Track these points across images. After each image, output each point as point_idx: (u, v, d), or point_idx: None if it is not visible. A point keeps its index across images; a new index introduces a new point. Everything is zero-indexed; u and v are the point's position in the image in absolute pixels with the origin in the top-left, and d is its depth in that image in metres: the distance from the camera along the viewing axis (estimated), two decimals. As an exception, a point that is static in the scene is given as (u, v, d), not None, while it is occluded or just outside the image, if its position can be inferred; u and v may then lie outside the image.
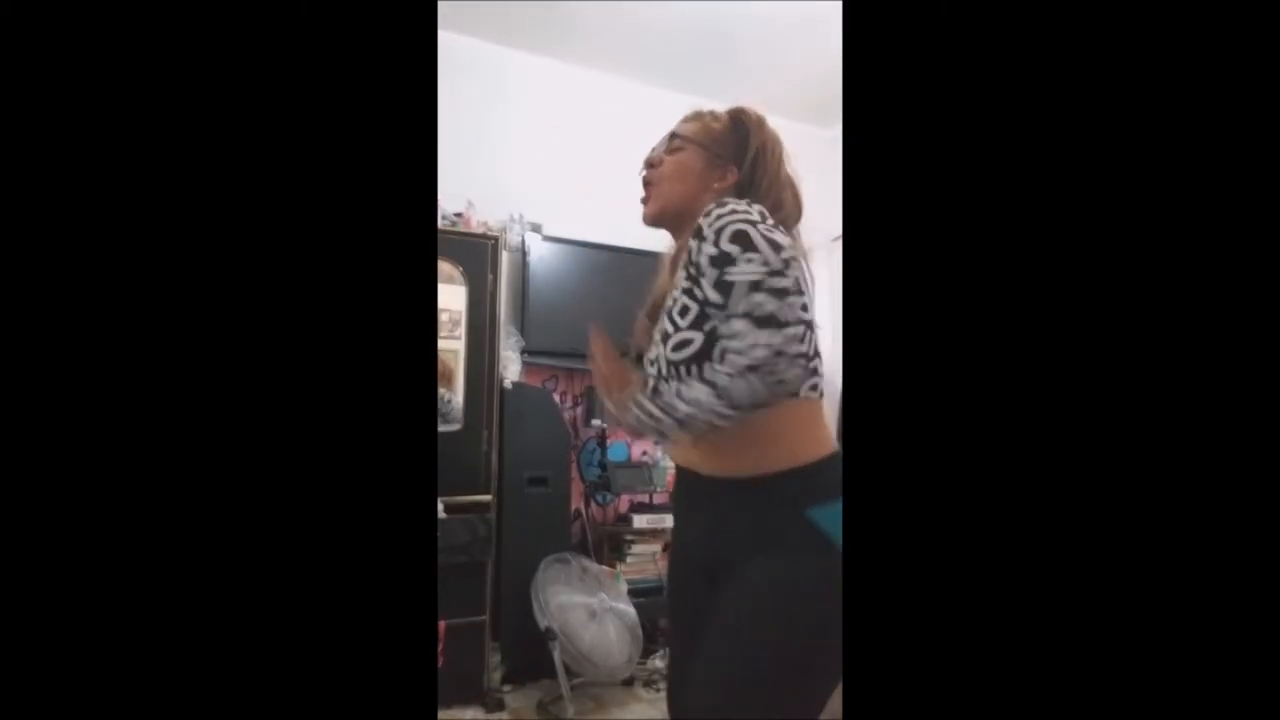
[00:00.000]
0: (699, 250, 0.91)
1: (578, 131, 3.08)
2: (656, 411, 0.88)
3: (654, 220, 1.08)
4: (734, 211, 0.90)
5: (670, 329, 0.95)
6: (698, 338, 0.92)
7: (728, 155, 1.06)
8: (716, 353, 0.89)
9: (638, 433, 0.93)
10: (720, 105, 1.11)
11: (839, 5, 0.69)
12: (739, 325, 0.85)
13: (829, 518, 0.90)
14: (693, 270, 0.92)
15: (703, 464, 0.99)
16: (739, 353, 0.84)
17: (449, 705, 2.36)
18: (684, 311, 0.94)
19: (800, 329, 0.87)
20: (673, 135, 1.08)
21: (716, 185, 1.05)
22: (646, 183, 1.09)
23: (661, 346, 0.97)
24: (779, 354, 0.83)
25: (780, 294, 0.85)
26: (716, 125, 1.07)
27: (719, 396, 0.85)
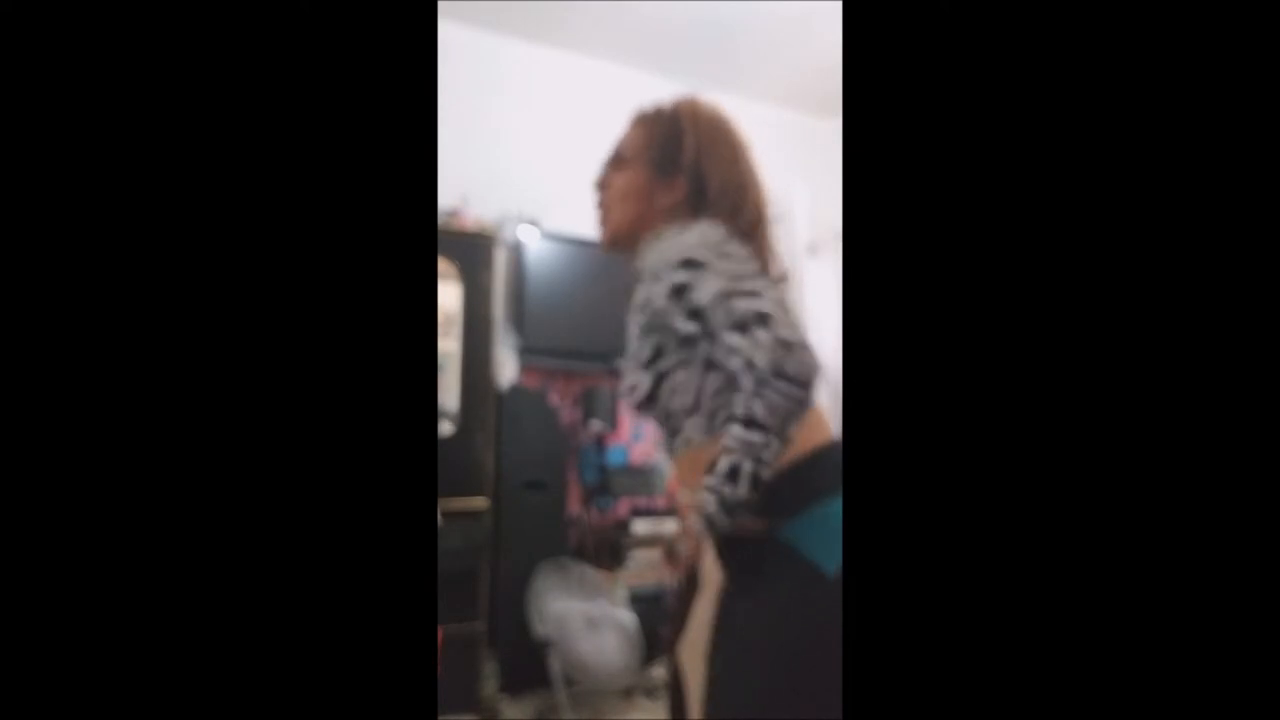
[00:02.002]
0: (646, 293, 0.90)
1: (576, 123, 3.01)
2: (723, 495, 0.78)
3: (611, 247, 1.04)
4: (669, 244, 0.89)
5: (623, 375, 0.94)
6: (644, 380, 0.91)
7: (671, 166, 1.00)
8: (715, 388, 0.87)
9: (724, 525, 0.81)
10: (723, 95, 1.04)
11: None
12: (731, 339, 0.80)
13: (804, 534, 0.83)
14: (646, 316, 0.90)
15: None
16: (749, 365, 0.78)
17: (444, 714, 2.31)
18: (636, 355, 0.93)
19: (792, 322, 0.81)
20: (615, 155, 1.04)
21: (664, 202, 1.00)
22: (598, 206, 1.05)
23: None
24: (786, 346, 0.77)
25: (754, 295, 0.81)
26: (658, 131, 1.02)
27: (750, 427, 0.77)
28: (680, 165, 0.99)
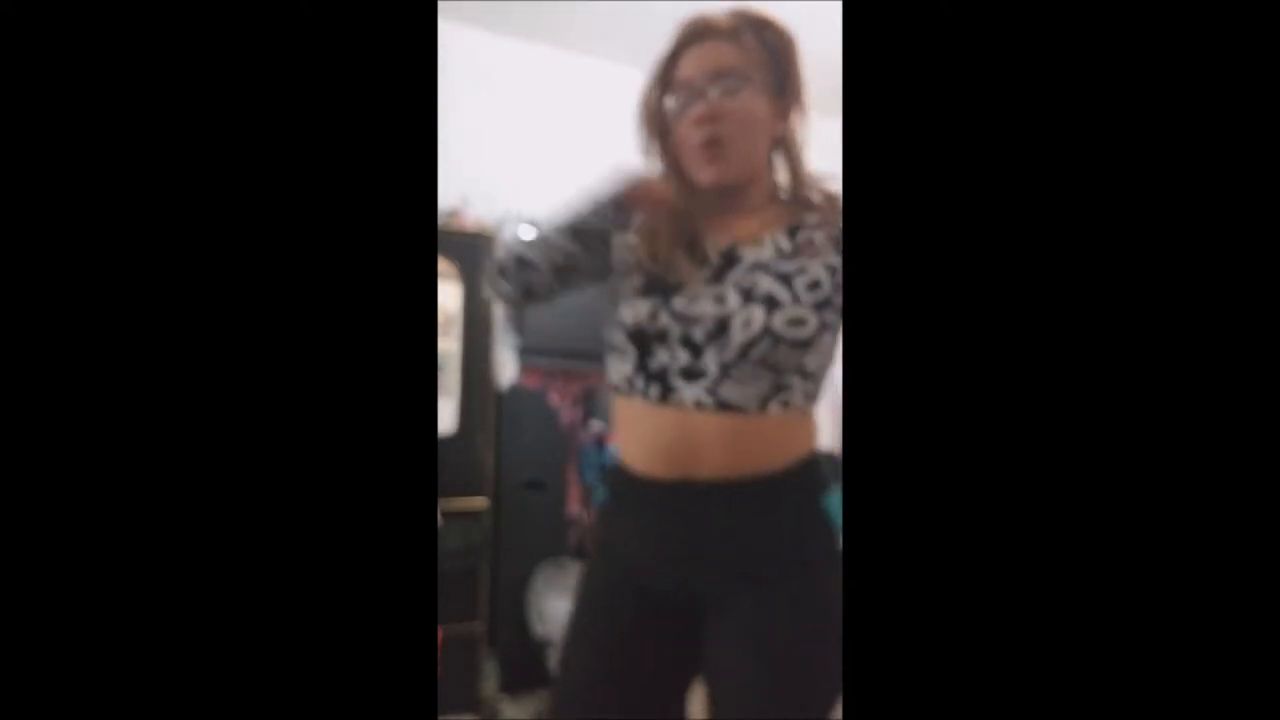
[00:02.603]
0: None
1: (576, 123, 3.01)
2: None
3: (720, 185, 0.88)
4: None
5: (784, 295, 0.84)
6: (813, 321, 0.83)
7: (781, 92, 0.88)
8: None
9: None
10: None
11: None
12: None
13: (837, 506, 0.86)
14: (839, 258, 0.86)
15: (715, 464, 0.85)
16: None
17: (445, 714, 2.31)
18: (814, 286, 0.85)
19: None
20: (727, 73, 0.86)
21: (775, 135, 0.90)
22: (714, 140, 0.86)
23: (755, 311, 0.83)
24: None
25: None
26: (769, 44, 0.88)
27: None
28: (789, 94, 0.89)
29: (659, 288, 0.88)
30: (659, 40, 0.95)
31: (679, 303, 0.86)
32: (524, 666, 2.39)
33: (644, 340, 0.87)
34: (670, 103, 0.90)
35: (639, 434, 0.90)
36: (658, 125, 0.92)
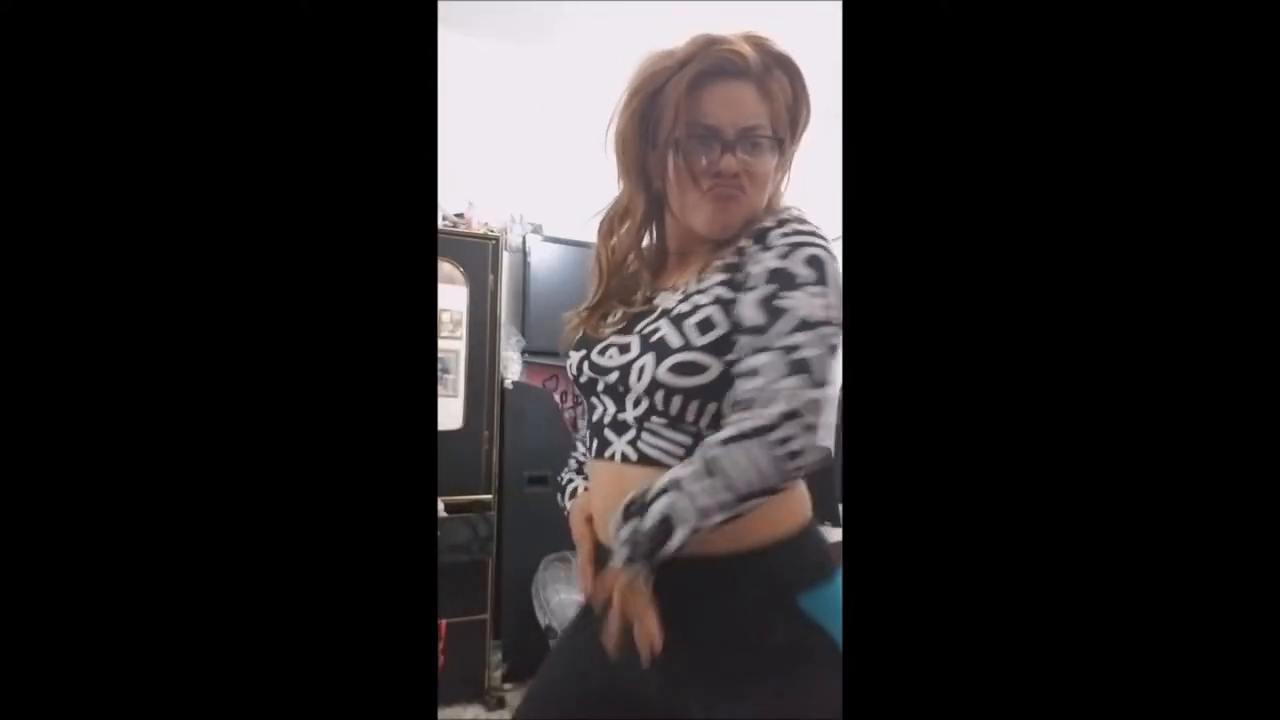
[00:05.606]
0: (756, 259, 0.75)
1: (579, 131, 3.09)
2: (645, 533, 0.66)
3: (726, 234, 0.82)
4: (814, 234, 0.76)
5: (675, 340, 0.74)
6: (715, 367, 0.73)
7: (781, 144, 0.82)
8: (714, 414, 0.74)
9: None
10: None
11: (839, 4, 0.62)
12: (765, 360, 0.68)
13: (822, 607, 0.76)
14: (737, 279, 0.75)
15: None
16: (746, 405, 0.67)
17: (450, 703, 2.37)
18: (706, 326, 0.74)
19: (833, 392, 0.68)
20: (754, 129, 0.79)
21: (774, 188, 0.85)
22: (728, 198, 0.80)
23: (648, 359, 0.75)
24: (794, 416, 0.65)
25: (831, 349, 0.69)
26: (777, 95, 0.81)
27: (713, 476, 0.65)
28: (793, 140, 0.84)
29: (585, 342, 0.85)
30: (659, 46, 0.90)
31: (595, 354, 0.82)
32: (529, 656, 2.43)
33: (581, 391, 0.86)
34: (675, 129, 0.81)
35: (588, 491, 0.88)
36: (644, 143, 0.85)
